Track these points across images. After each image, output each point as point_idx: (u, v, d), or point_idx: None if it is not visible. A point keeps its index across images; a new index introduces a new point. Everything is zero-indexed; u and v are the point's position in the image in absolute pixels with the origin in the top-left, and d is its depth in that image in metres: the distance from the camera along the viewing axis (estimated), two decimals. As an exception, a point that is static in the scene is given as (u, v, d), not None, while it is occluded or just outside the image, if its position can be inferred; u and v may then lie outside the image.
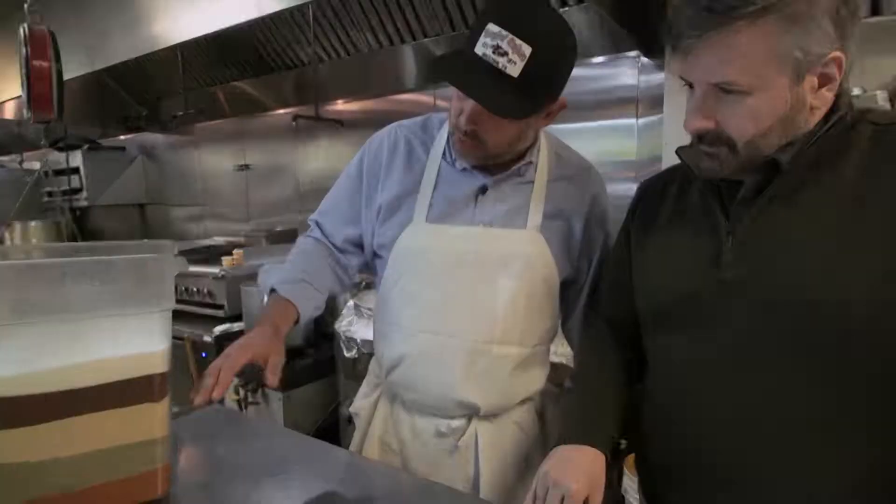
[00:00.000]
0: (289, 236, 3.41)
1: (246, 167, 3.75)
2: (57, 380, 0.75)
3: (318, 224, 1.18)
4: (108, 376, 0.77)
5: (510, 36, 0.85)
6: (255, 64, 3.20)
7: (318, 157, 3.38)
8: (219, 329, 2.57)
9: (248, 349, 0.94)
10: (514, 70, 0.86)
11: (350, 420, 2.25)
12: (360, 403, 1.21)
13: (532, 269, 1.02)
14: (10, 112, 3.75)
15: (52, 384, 0.74)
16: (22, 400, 0.73)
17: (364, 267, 1.22)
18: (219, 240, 3.82)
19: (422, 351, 1.03)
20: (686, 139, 0.79)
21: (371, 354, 2.16)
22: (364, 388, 1.24)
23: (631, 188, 2.30)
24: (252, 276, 2.72)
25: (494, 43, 0.86)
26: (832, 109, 0.71)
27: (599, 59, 2.32)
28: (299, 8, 1.97)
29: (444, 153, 1.07)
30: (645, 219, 0.91)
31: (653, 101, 2.24)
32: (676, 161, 0.84)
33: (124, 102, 4.06)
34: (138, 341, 0.80)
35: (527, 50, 0.86)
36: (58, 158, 4.10)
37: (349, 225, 1.14)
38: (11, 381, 0.73)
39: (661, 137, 2.19)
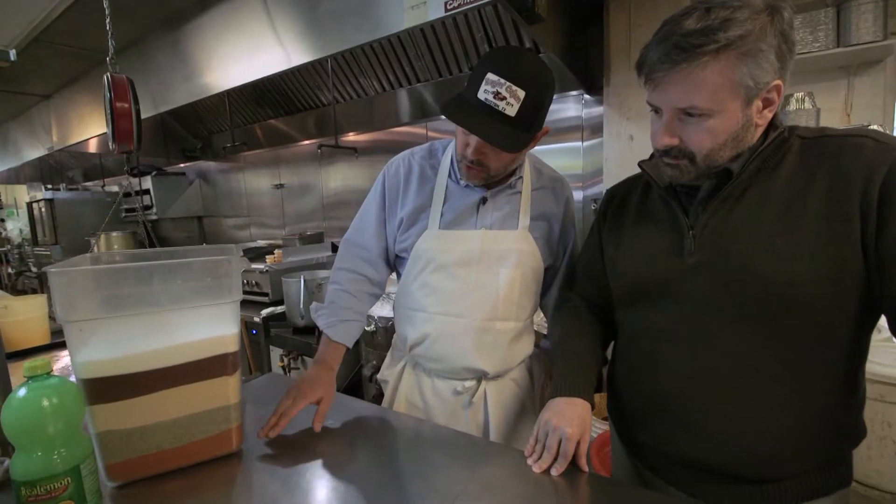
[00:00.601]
0: (316, 238, 3.33)
1: (281, 186, 3.66)
2: (149, 361, 0.69)
3: (351, 243, 1.08)
4: (192, 356, 0.72)
5: (507, 83, 0.81)
6: (286, 105, 3.11)
7: (337, 176, 3.31)
8: (265, 312, 2.50)
9: (307, 396, 0.88)
10: (512, 111, 0.82)
11: (371, 378, 2.22)
12: (388, 372, 1.13)
13: (524, 261, 0.98)
14: (93, 147, 3.59)
15: (145, 365, 0.69)
16: (121, 378, 0.68)
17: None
18: (261, 243, 3.72)
19: (441, 330, 0.98)
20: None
21: (385, 329, 2.13)
22: (388, 360, 1.17)
23: (579, 195, 2.31)
24: (289, 271, 2.65)
25: (494, 90, 0.81)
26: (771, 126, 0.68)
27: (553, 96, 2.28)
28: (320, 61, 1.90)
29: (449, 173, 1.01)
30: (614, 221, 0.87)
31: (594, 129, 2.21)
32: (613, 175, 0.80)
33: (184, 138, 3.94)
34: (215, 327, 0.74)
35: (521, 94, 0.81)
36: (133, 183, 4.00)
37: (378, 237, 1.06)
38: (106, 363, 0.67)
39: (602, 156, 2.18)
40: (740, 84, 0.61)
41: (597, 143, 2.21)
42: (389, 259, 1.08)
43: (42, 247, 4.54)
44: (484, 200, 0.99)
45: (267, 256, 2.79)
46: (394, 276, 1.14)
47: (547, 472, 0.72)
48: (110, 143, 1.19)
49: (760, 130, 0.67)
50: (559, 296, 1.06)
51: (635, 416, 0.81)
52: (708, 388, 0.69)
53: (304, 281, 2.33)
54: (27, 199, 4.77)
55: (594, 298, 0.94)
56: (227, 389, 0.76)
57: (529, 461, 0.74)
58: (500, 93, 0.81)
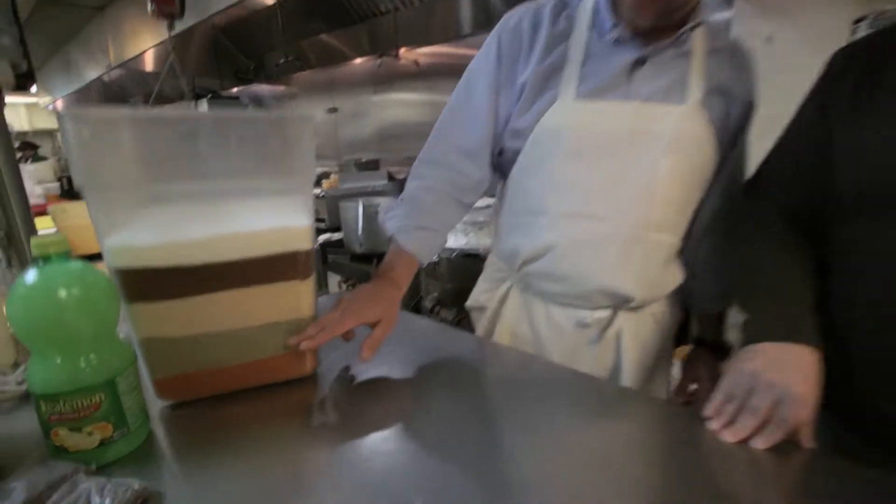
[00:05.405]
0: (372, 165, 3.14)
1: (335, 110, 3.45)
2: (201, 252, 0.51)
3: (446, 128, 0.80)
4: (252, 251, 0.53)
5: None
6: (339, 16, 2.81)
7: (395, 102, 3.05)
8: (322, 238, 2.41)
9: (360, 314, 0.64)
10: None
11: (432, 311, 2.08)
12: (484, 297, 0.90)
13: (690, 150, 0.70)
14: (149, 65, 3.48)
15: (196, 256, 0.51)
16: (166, 271, 0.50)
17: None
18: (317, 169, 3.60)
19: (571, 238, 0.73)
20: None
21: (449, 259, 1.94)
22: (483, 284, 0.93)
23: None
24: (346, 196, 2.50)
25: None
26: None
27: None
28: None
29: (592, 23, 0.71)
30: (858, 86, 0.57)
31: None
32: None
33: (236, 58, 3.76)
34: (281, 216, 0.55)
35: None
36: (190, 107, 3.93)
37: (487, 116, 0.76)
38: (154, 250, 0.50)
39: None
40: None
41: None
42: (495, 154, 0.80)
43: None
44: (641, 61, 0.69)
45: (323, 181, 2.64)
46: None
47: (744, 442, 0.49)
48: (149, 8, 1.01)
49: None
50: (735, 207, 0.77)
51: (869, 374, 0.57)
52: None
53: (364, 206, 2.17)
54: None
55: (798, 209, 0.66)
56: (298, 298, 0.58)
57: (715, 424, 0.51)
58: None
